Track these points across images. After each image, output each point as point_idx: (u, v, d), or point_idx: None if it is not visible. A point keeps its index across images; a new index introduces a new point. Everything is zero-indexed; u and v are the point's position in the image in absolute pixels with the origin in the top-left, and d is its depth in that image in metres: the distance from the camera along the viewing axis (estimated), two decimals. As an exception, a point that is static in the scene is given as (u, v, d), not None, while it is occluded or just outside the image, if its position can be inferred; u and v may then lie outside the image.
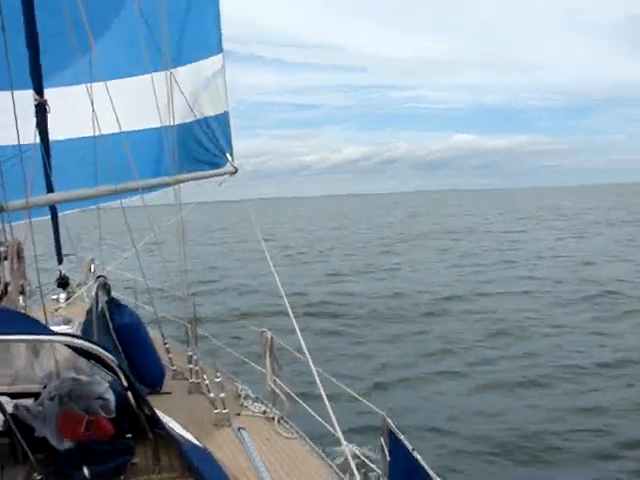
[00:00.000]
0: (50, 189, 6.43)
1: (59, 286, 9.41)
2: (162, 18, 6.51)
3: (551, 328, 14.93)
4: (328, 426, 4.26)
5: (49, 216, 8.61)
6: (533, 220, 60.38)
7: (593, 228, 45.79)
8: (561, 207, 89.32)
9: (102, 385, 3.17)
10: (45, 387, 3.30)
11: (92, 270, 8.77)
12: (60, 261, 9.53)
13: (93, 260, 8.98)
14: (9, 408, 3.15)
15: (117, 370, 2.91)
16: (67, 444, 3.05)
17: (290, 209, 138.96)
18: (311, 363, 4.73)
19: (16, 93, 6.11)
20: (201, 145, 7.65)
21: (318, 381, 4.40)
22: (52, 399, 3.16)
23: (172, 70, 6.85)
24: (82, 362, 3.34)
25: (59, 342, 2.70)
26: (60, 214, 8.90)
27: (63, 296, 9.21)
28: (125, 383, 3.00)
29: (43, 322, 4.79)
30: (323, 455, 4.37)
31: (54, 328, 6.58)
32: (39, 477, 2.83)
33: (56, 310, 8.46)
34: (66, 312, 8.19)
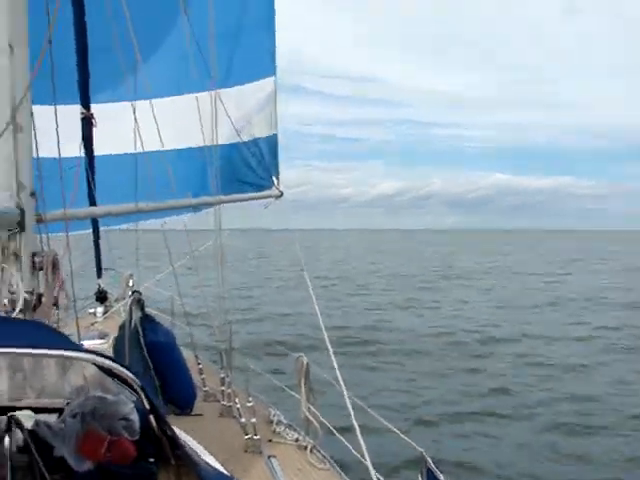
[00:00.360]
0: (93, 203, 6.44)
1: (97, 300, 9.38)
2: (210, 39, 6.54)
3: (609, 376, 14.10)
4: (362, 459, 4.03)
5: (89, 230, 8.65)
6: (577, 263, 58.93)
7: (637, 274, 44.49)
8: (605, 251, 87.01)
9: (127, 405, 2.98)
10: (69, 403, 3.12)
11: (130, 285, 8.69)
12: (99, 275, 9.53)
13: (132, 275, 8.91)
14: (30, 423, 2.99)
15: (139, 391, 2.73)
16: (86, 465, 2.86)
17: (327, 241, 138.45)
18: (344, 389, 4.52)
19: (65, 108, 6.17)
20: (249, 167, 7.60)
21: (350, 409, 4.19)
22: (74, 416, 2.98)
23: (221, 90, 6.84)
24: (109, 380, 3.17)
25: (81, 359, 2.54)
26: (102, 229, 8.96)
27: (100, 310, 9.15)
28: (147, 405, 2.81)
29: (75, 336, 4.70)
30: None
31: (88, 342, 6.53)
32: None
33: (92, 324, 8.43)
34: (102, 326, 8.13)
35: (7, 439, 2.56)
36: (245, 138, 7.47)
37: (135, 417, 2.96)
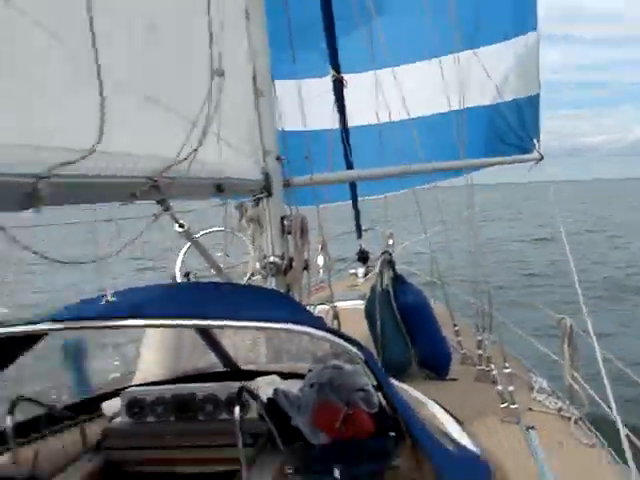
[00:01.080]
0: (349, 167, 6.40)
1: (359, 260, 9.22)
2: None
3: None
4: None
5: (341, 201, 8.73)
6: None
7: None
8: None
9: (365, 376, 2.65)
10: (310, 371, 2.89)
11: (391, 243, 8.40)
12: (359, 236, 9.48)
13: (392, 234, 8.59)
14: (270, 390, 2.83)
15: (363, 366, 2.35)
16: (322, 438, 2.59)
17: (579, 193, 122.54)
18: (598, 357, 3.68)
19: (311, 81, 6.17)
20: (510, 128, 7.06)
21: (606, 382, 3.58)
22: (311, 386, 2.75)
23: (477, 50, 6.57)
24: None
25: (294, 331, 2.24)
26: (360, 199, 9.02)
27: (362, 271, 8.94)
28: (374, 382, 2.42)
29: (335, 297, 4.57)
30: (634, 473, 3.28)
31: (347, 303, 6.43)
32: (289, 470, 2.40)
33: (354, 285, 8.39)
34: (364, 287, 8.03)
35: (237, 409, 2.37)
36: (506, 98, 7.03)
37: (373, 389, 2.62)
